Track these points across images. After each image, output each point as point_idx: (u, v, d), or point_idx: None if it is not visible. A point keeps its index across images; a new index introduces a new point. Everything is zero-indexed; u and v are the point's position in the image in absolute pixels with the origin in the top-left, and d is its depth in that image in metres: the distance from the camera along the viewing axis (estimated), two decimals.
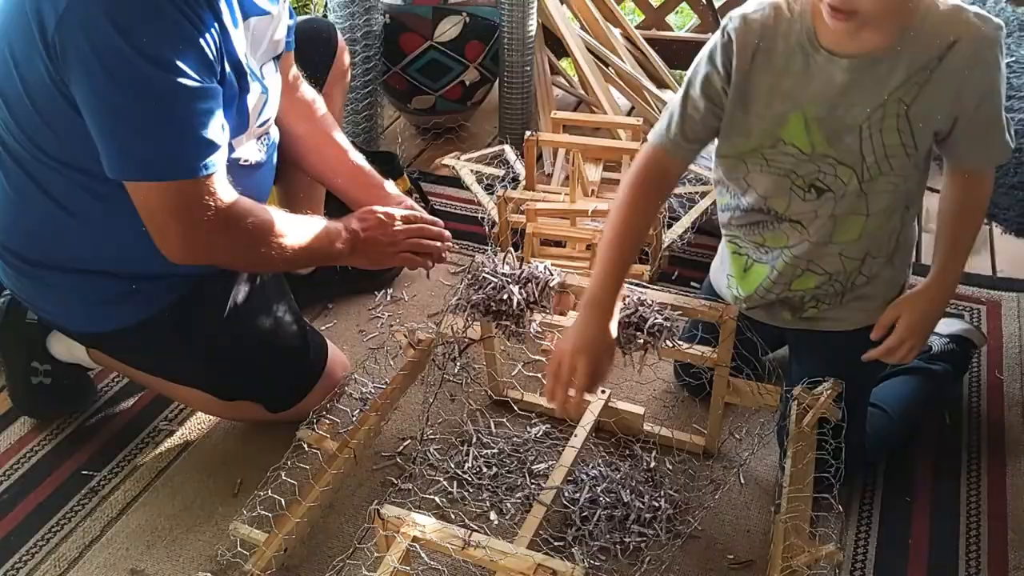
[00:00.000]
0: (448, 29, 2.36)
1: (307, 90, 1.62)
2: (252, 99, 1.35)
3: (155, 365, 1.51)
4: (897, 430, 1.52)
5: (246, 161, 1.41)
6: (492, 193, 2.01)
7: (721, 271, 1.48)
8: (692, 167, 2.07)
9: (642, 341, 1.31)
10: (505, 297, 1.35)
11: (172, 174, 1.19)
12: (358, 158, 1.63)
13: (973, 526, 1.42)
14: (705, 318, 1.38)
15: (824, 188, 1.25)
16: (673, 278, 1.97)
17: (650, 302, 1.34)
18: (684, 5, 2.86)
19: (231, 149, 1.35)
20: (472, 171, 2.14)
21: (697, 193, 2.06)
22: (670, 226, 1.96)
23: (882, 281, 1.36)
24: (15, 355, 1.55)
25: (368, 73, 2.35)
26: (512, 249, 1.63)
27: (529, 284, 1.38)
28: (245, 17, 1.33)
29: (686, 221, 1.99)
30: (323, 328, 1.82)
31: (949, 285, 1.31)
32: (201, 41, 1.18)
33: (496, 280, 1.37)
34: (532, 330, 1.38)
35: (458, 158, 2.18)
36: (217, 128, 1.21)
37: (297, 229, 1.37)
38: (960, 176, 1.28)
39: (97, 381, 1.68)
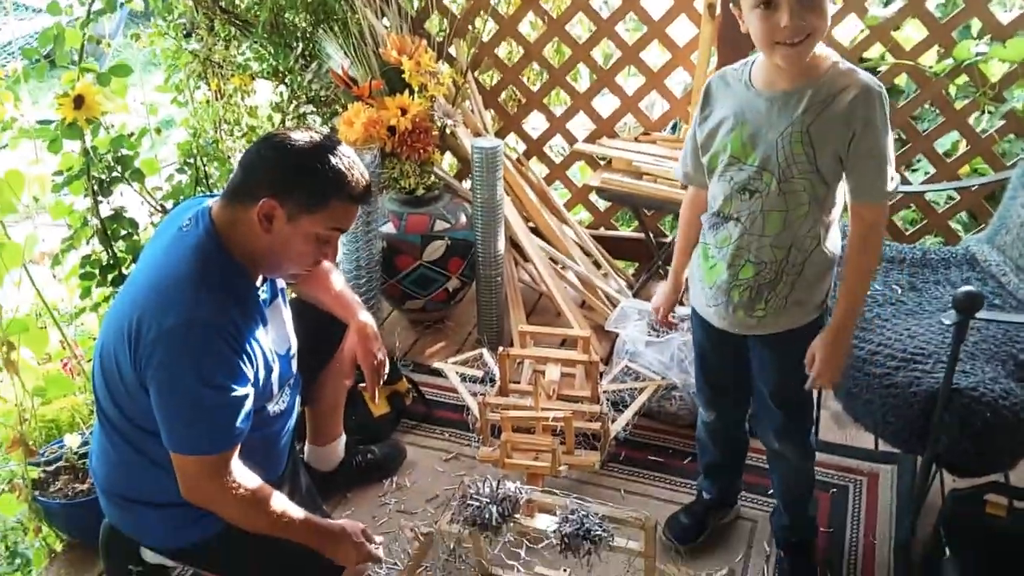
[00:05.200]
0: (434, 251, 2.91)
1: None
2: (275, 376, 1.86)
3: (222, 567, 1.98)
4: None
5: (274, 412, 1.92)
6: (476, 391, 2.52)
7: (697, 287, 1.91)
8: (632, 365, 2.62)
9: (588, 548, 1.80)
10: (487, 515, 1.85)
11: (199, 451, 1.70)
12: (340, 285, 2.14)
13: None
14: (632, 527, 1.87)
15: (754, 190, 1.73)
16: (620, 459, 2.47)
17: (592, 515, 1.83)
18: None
19: (263, 409, 1.86)
20: (457, 372, 2.65)
21: (637, 388, 2.57)
22: (614, 420, 2.47)
23: (806, 284, 1.77)
24: (116, 561, 2.01)
25: (370, 283, 2.88)
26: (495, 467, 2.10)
27: (505, 501, 1.88)
28: (271, 301, 1.86)
29: (629, 413, 2.49)
30: (343, 515, 2.29)
31: (845, 324, 1.76)
32: (246, 367, 1.70)
33: (479, 501, 1.86)
34: (508, 539, 1.86)
35: (446, 362, 2.69)
36: (241, 419, 1.70)
37: (288, 517, 1.80)
38: (854, 215, 1.71)
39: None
